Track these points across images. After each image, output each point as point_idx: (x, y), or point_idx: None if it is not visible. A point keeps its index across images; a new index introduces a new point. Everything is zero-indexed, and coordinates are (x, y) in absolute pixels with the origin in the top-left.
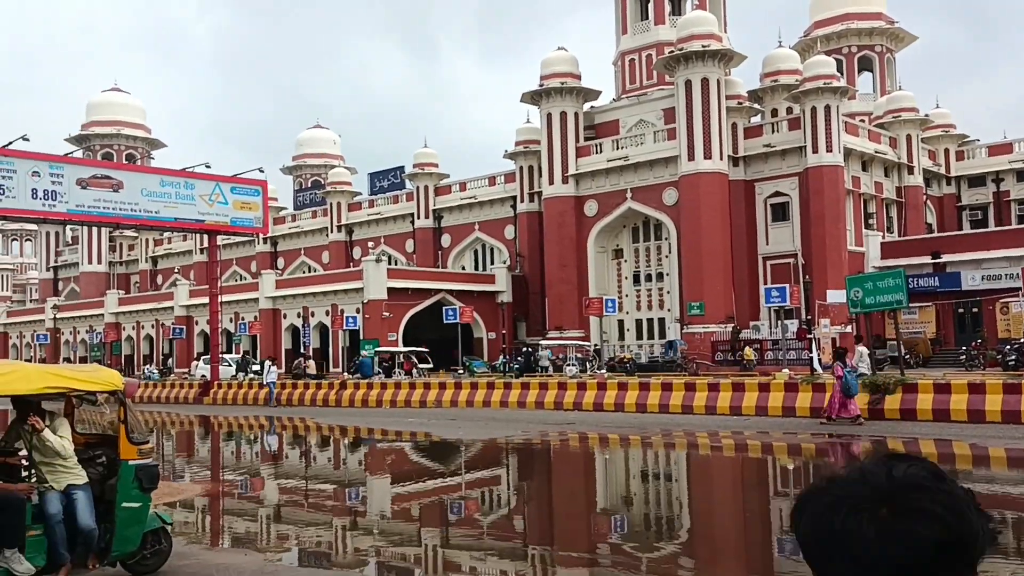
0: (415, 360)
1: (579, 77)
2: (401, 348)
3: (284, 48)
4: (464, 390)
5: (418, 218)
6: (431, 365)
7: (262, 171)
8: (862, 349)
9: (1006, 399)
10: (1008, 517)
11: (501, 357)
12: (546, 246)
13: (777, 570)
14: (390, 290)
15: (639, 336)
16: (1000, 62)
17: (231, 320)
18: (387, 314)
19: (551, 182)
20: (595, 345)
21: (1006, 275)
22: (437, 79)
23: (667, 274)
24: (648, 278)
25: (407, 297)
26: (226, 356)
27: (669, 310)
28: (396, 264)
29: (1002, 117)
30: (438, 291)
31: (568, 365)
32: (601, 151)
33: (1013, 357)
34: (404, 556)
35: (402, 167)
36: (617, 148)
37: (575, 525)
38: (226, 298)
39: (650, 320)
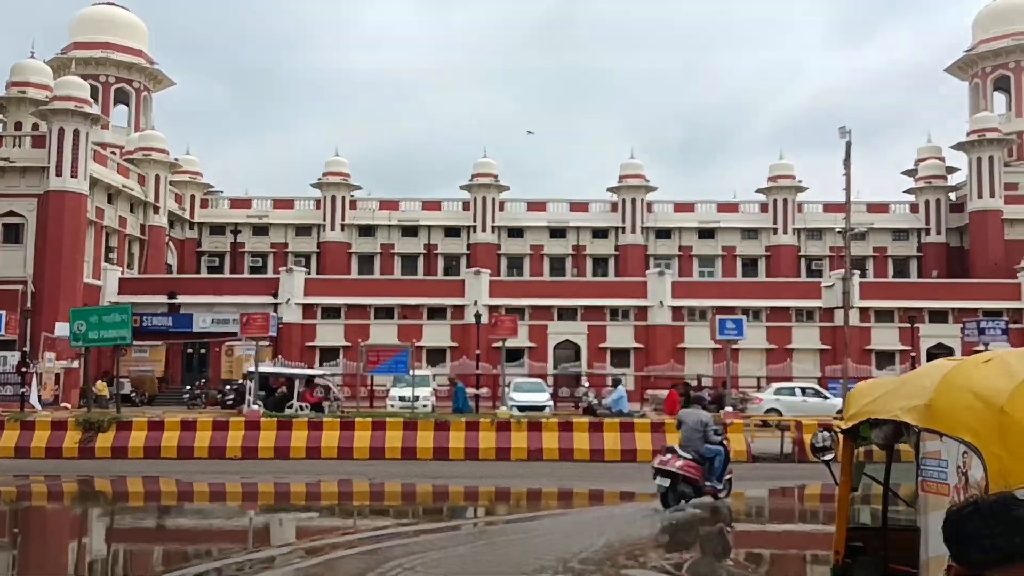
0: (331, 387)
1: None
2: (303, 370)
3: None
4: None
5: None
6: (337, 399)
7: None
8: None
9: (213, 436)
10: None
11: None
12: None
13: None
14: None
15: None
16: (255, 131)
17: None
18: None
19: None
20: None
21: (232, 320)
22: None
23: None
24: None
25: None
26: None
27: None
28: None
29: (247, 176)
30: None
31: None
32: None
33: (231, 396)
34: None
35: None
36: None
37: None
38: None
39: None
